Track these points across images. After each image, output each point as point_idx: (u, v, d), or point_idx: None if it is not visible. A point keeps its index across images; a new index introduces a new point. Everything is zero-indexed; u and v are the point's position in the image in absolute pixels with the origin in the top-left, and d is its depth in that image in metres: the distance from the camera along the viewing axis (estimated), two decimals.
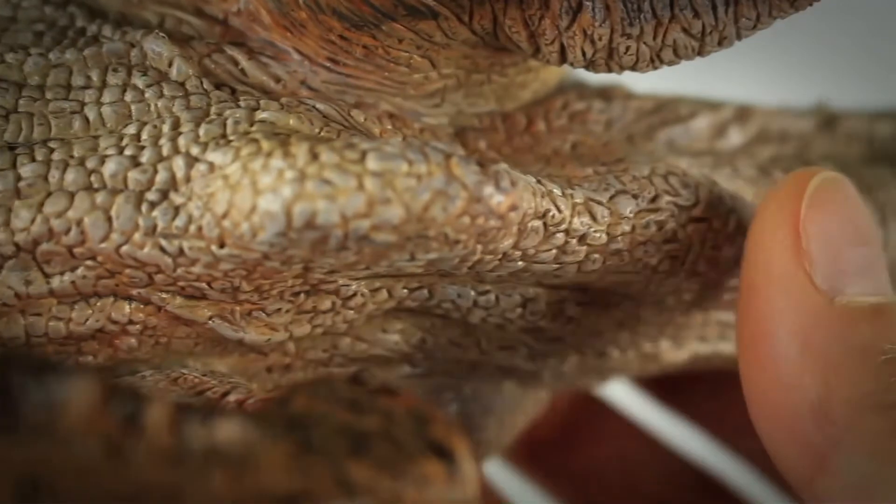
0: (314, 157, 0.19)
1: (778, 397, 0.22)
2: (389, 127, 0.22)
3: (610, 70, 0.22)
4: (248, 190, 0.19)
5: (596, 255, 0.22)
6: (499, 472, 0.33)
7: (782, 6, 0.21)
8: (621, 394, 0.32)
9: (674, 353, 0.26)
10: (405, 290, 0.23)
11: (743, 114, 0.26)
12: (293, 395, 0.18)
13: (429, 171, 0.20)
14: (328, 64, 0.22)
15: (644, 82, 0.24)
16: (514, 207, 0.20)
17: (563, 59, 0.22)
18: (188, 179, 0.20)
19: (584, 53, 0.22)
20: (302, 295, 0.22)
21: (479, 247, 0.21)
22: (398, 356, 0.24)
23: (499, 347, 0.24)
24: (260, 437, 0.17)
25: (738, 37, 0.22)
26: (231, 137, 0.20)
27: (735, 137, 0.26)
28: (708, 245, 0.23)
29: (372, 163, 0.19)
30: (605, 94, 0.25)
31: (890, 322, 0.22)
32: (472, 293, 0.23)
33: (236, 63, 0.22)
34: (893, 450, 0.20)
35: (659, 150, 0.25)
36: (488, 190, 0.20)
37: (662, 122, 0.25)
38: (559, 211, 0.21)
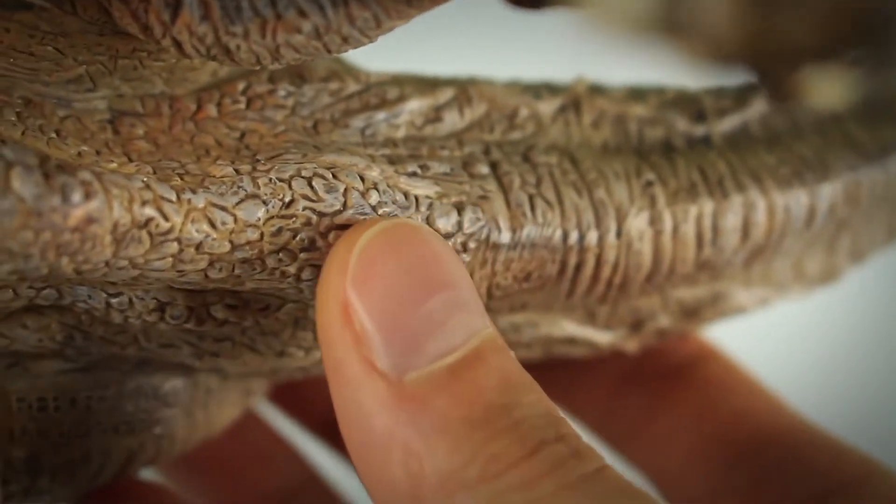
0: None
1: (383, 493, 0.19)
2: (13, 119, 0.21)
3: (239, 65, 0.20)
4: None
5: (221, 264, 0.21)
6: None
7: (399, 8, 0.19)
8: None
9: None
10: (32, 290, 0.21)
11: (468, 95, 0.24)
12: None
13: None
14: None
15: None
16: (90, 221, 0.19)
17: (182, 53, 0.20)
18: None
19: (197, 50, 0.20)
20: None
21: (65, 259, 0.19)
22: (47, 352, 0.23)
23: (160, 345, 0.23)
24: None
25: (367, 37, 0.20)
26: None
27: (451, 123, 0.24)
28: None
29: None
30: (301, 74, 0.23)
31: (467, 383, 0.19)
32: (104, 294, 0.22)
33: None
34: None
35: (349, 139, 0.23)
36: (52, 203, 0.19)
37: (363, 106, 0.23)
38: (166, 219, 0.20)
